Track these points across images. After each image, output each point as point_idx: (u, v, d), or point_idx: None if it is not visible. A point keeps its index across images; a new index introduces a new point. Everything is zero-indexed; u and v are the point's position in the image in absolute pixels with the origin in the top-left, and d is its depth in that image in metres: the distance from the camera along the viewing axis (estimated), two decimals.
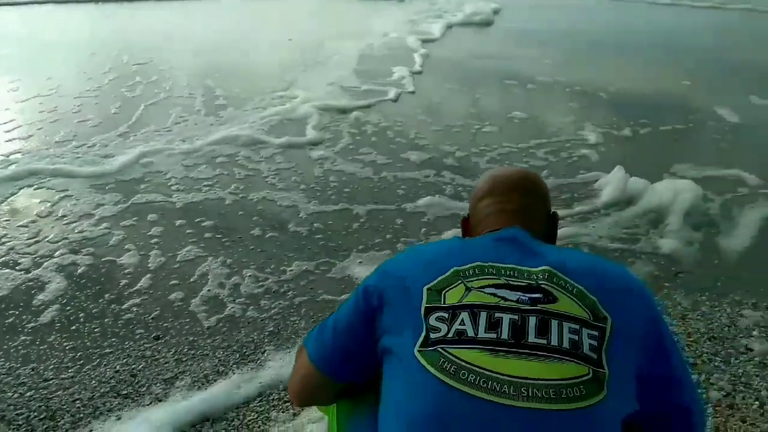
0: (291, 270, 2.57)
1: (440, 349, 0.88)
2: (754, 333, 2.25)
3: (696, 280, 2.60)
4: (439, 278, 0.96)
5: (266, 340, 2.15)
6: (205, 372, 2.00)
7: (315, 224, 2.98)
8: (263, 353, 2.08)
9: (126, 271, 2.55)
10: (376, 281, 1.02)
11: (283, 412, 1.83)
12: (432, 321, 0.91)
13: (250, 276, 2.52)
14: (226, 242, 2.81)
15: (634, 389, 0.89)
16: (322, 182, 3.46)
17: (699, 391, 1.03)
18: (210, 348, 2.11)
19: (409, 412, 0.86)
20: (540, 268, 0.96)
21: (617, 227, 3.02)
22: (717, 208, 3.24)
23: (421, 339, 0.90)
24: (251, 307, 2.32)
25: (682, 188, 3.32)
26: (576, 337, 0.87)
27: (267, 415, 1.82)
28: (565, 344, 0.87)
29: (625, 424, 0.88)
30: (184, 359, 2.06)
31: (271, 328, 2.22)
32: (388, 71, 5.80)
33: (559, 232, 2.83)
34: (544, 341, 0.87)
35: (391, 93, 5.09)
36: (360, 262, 2.64)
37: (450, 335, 0.89)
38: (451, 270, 0.97)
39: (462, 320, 0.90)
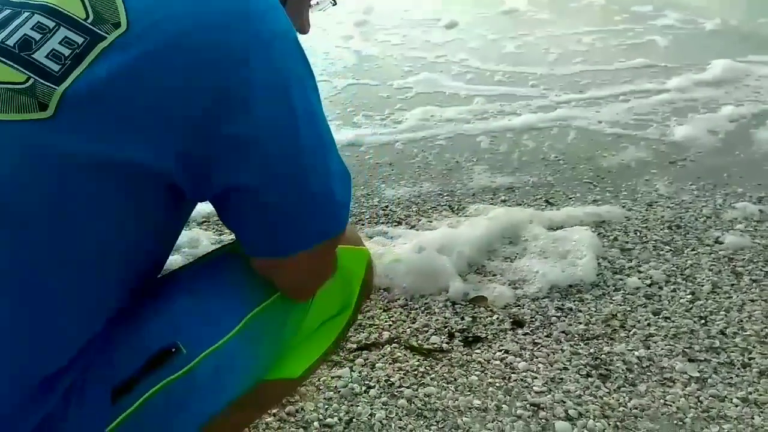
0: None
1: None
2: (738, 226, 1.76)
3: (696, 169, 2.09)
4: None
5: None
6: None
7: None
8: None
9: None
10: None
11: None
12: None
13: None
14: None
15: (148, 139, 0.60)
16: None
17: (335, 197, 0.69)
18: None
19: None
20: None
21: (628, 113, 2.51)
22: None
23: None
24: None
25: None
26: (38, 36, 0.61)
27: None
28: (11, 41, 0.61)
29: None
30: None
31: None
32: None
33: (549, 114, 2.46)
34: None
35: None
36: None
37: None
38: None
39: None
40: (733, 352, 1.31)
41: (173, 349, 0.66)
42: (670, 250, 1.65)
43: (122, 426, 0.64)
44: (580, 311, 1.43)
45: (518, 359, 1.29)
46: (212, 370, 0.69)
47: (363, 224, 1.78)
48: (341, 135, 2.32)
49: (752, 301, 1.45)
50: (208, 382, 0.69)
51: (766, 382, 1.23)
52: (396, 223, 1.78)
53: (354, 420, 1.15)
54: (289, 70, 0.65)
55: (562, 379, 1.24)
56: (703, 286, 1.51)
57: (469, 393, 1.21)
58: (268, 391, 0.79)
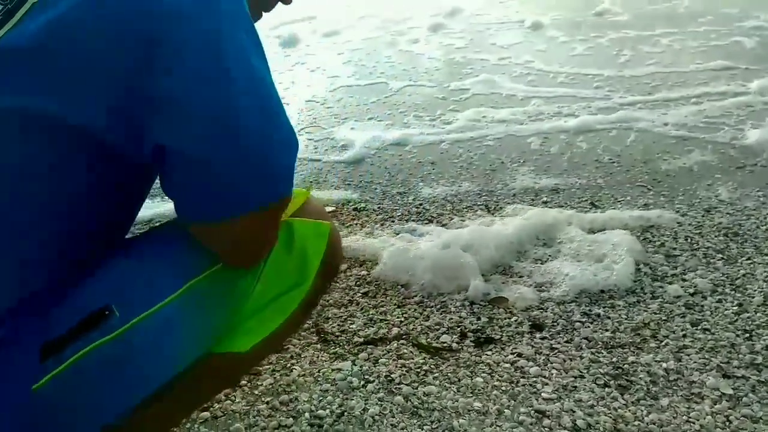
0: None
1: None
2: None
3: (766, 174, 1.91)
4: None
5: None
6: None
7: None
8: None
9: None
10: None
11: None
12: None
13: None
14: None
15: (78, 94, 0.61)
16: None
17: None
18: None
19: None
20: None
21: (698, 116, 2.34)
22: None
23: None
24: None
25: None
26: None
27: None
28: None
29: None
30: None
31: None
32: None
33: (609, 116, 2.31)
34: None
35: None
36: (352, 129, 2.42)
37: None
38: None
39: None
40: None
41: (107, 312, 0.66)
42: (722, 258, 1.51)
43: (49, 386, 0.64)
44: (609, 318, 1.33)
45: (531, 363, 1.21)
46: (150, 337, 0.68)
47: (393, 221, 1.74)
48: (388, 134, 2.30)
49: None
50: (145, 349, 0.68)
51: None
52: (427, 221, 1.73)
53: (346, 414, 1.11)
54: (227, 28, 0.63)
55: (575, 387, 1.15)
56: (753, 297, 1.36)
57: (471, 395, 1.14)
58: (215, 366, 0.77)
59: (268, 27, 4.09)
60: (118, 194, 0.72)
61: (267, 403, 1.14)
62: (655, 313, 1.33)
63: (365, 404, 1.13)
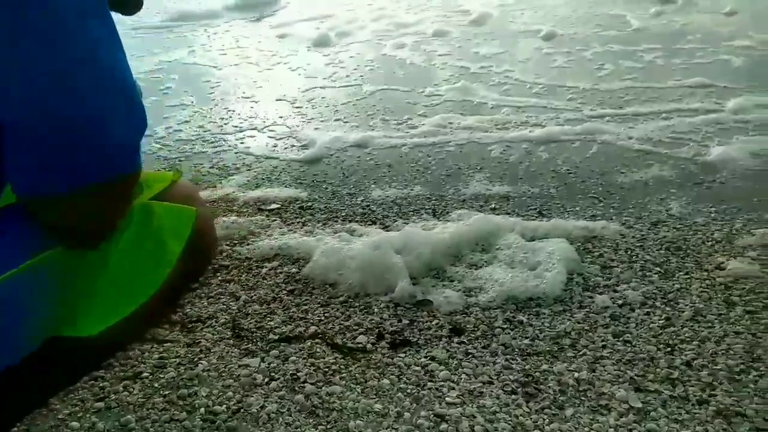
0: None
1: None
2: (750, 253, 1.55)
3: (723, 191, 1.88)
4: None
5: None
6: None
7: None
8: None
9: None
10: None
11: None
12: None
13: None
14: None
15: None
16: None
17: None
18: None
19: None
20: None
21: (665, 131, 2.31)
22: None
23: None
24: None
25: None
26: None
27: None
28: None
29: None
30: None
31: None
32: None
33: (575, 128, 2.29)
34: None
35: None
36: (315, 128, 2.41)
37: None
38: None
39: None
40: (693, 386, 1.14)
41: None
42: (659, 272, 1.48)
43: None
44: (531, 325, 1.30)
45: (441, 367, 1.18)
46: None
47: (336, 221, 1.73)
48: (350, 136, 2.29)
49: (737, 333, 1.27)
50: None
51: (721, 423, 1.05)
52: (370, 223, 1.72)
53: (242, 410, 1.09)
54: None
55: (481, 392, 1.13)
56: (683, 312, 1.33)
57: (374, 396, 1.12)
58: (62, 351, 0.74)
59: (268, 25, 4.10)
60: None
61: (164, 396, 1.12)
62: (579, 323, 1.31)
63: (264, 401, 1.11)
